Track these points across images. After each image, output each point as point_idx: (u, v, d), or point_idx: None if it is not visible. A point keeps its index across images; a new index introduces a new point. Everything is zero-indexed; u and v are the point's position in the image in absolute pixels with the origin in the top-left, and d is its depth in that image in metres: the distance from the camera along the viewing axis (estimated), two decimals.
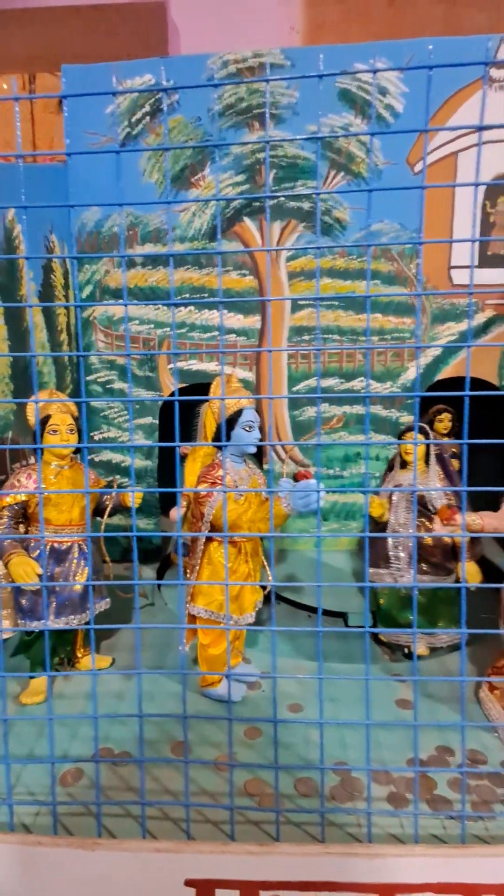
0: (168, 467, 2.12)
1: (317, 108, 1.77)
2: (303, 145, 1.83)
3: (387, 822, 0.96)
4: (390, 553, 1.45)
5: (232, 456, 1.24)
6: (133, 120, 1.85)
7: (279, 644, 1.51)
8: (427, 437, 1.56)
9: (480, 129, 0.79)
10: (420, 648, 1.42)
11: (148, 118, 1.85)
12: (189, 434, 1.76)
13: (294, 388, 1.99)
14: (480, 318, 1.90)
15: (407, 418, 1.98)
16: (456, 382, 1.44)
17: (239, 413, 1.19)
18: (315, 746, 1.10)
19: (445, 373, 1.95)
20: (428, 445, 1.47)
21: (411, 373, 1.96)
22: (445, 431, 2.04)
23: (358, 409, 2.00)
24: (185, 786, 0.92)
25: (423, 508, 1.45)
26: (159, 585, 1.80)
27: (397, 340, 1.94)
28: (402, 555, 1.44)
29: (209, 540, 1.23)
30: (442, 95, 1.77)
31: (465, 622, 0.86)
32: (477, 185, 0.83)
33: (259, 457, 1.29)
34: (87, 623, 1.31)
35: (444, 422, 1.96)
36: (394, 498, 1.48)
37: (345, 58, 1.77)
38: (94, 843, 0.87)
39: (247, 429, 1.18)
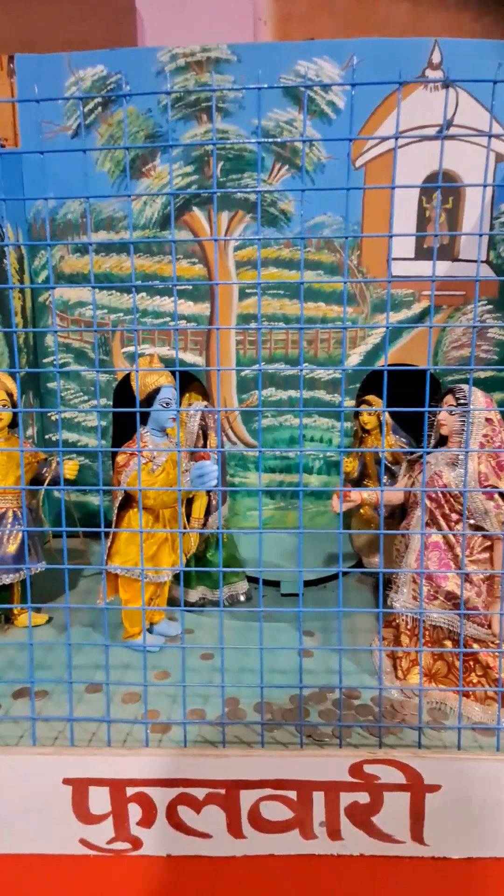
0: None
1: (262, 102, 1.84)
2: (248, 138, 1.91)
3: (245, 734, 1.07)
4: None
5: (152, 430, 1.33)
6: (86, 110, 1.91)
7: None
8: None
9: (396, 137, 0.94)
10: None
11: (100, 108, 1.92)
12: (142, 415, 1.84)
13: (242, 374, 2.08)
14: (417, 308, 2.00)
15: (349, 402, 2.07)
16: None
17: (157, 390, 1.28)
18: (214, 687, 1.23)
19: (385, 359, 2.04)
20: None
21: (353, 359, 2.06)
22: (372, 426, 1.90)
23: (304, 394, 2.09)
24: (69, 702, 1.04)
25: None
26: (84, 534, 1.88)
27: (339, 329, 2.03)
28: None
29: (127, 507, 1.32)
30: (382, 94, 1.85)
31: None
32: (394, 187, 0.92)
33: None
34: (23, 580, 1.41)
35: (366, 413, 1.79)
36: None
37: (289, 55, 1.84)
38: None
39: (163, 405, 1.28)
